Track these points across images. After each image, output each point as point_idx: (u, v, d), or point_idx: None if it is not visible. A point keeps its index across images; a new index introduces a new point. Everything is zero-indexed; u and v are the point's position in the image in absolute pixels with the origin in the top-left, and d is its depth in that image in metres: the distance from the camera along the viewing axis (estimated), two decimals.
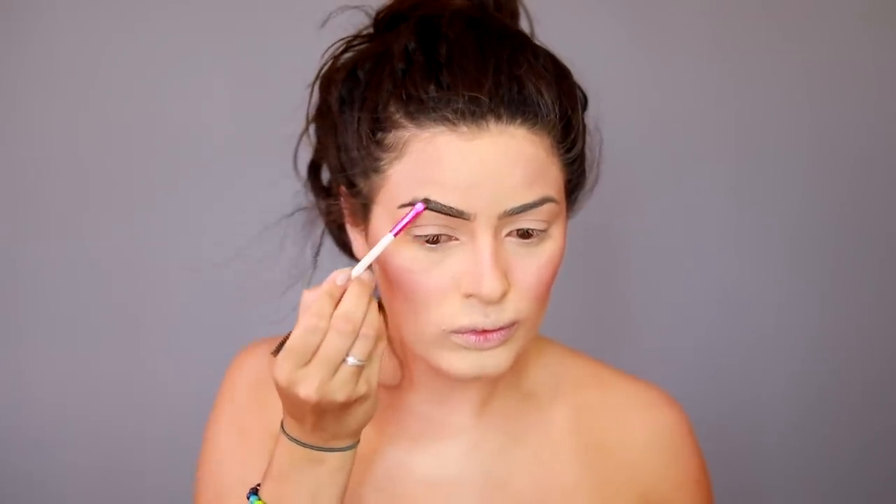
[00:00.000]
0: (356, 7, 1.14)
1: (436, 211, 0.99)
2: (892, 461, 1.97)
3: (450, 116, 0.98)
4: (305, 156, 1.19)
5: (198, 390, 1.25)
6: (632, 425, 1.18)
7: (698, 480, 1.20)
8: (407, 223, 0.98)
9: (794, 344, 1.95)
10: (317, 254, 1.19)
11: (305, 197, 1.19)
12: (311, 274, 1.18)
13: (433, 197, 0.98)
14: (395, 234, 0.99)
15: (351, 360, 0.97)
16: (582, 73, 1.08)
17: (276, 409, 1.15)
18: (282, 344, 0.98)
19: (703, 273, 1.92)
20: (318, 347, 0.96)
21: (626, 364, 1.23)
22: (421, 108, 0.99)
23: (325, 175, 1.18)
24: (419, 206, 0.98)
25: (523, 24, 1.15)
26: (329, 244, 1.20)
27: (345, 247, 1.19)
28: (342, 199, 1.09)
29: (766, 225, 1.92)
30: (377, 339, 0.98)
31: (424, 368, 1.12)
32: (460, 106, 0.98)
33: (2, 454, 1.84)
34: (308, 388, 0.96)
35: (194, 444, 1.21)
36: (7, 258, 1.81)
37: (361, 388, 0.98)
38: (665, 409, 1.19)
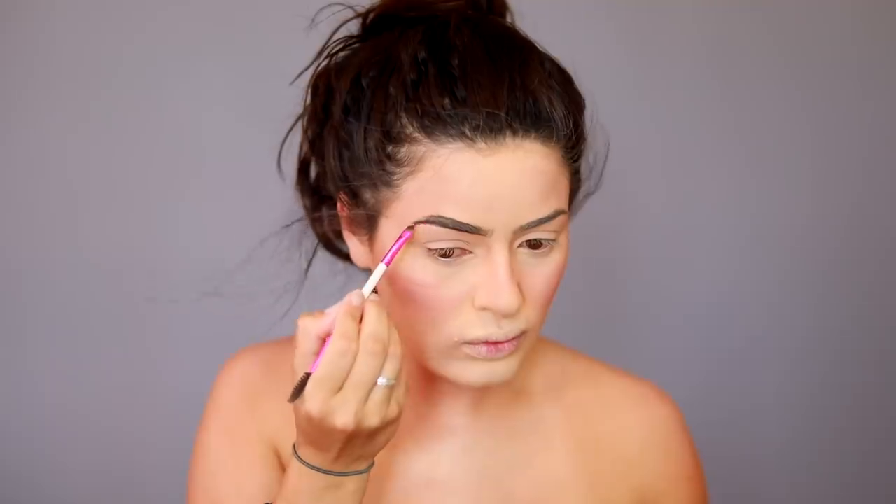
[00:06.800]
0: (344, 5, 1.11)
1: (453, 228, 0.98)
2: (889, 464, 2.00)
3: (468, 132, 0.97)
4: (293, 158, 1.18)
5: (198, 392, 1.25)
6: (625, 420, 1.18)
7: (691, 476, 1.20)
8: (395, 252, 0.98)
9: (792, 346, 1.97)
10: (309, 263, 1.18)
11: (298, 202, 1.17)
12: (303, 281, 1.17)
13: (450, 213, 0.98)
14: (388, 264, 0.99)
15: (382, 380, 0.96)
16: (579, 77, 1.08)
17: (267, 415, 1.15)
18: (299, 387, 0.96)
19: (700, 276, 1.93)
20: (348, 372, 0.95)
21: (622, 365, 1.23)
22: (437, 123, 0.98)
23: (314, 177, 1.16)
24: (407, 234, 0.98)
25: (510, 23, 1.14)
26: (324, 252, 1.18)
27: (330, 247, 1.18)
28: (340, 205, 1.07)
29: (764, 228, 1.93)
30: (402, 358, 0.97)
31: (418, 370, 1.11)
32: (479, 122, 0.97)
33: (1, 454, 1.83)
34: (346, 416, 0.95)
35: (192, 445, 1.20)
36: (7, 259, 1.81)
37: (393, 411, 0.97)
38: (658, 404, 1.20)
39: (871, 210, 1.95)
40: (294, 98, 1.13)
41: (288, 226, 1.16)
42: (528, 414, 1.17)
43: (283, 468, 1.15)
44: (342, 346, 0.95)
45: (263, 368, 1.19)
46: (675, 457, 1.19)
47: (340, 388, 0.95)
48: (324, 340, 0.96)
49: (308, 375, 0.95)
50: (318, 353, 0.96)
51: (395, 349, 0.96)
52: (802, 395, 1.98)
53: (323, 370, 0.95)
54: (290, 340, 1.19)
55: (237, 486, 1.14)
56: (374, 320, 0.96)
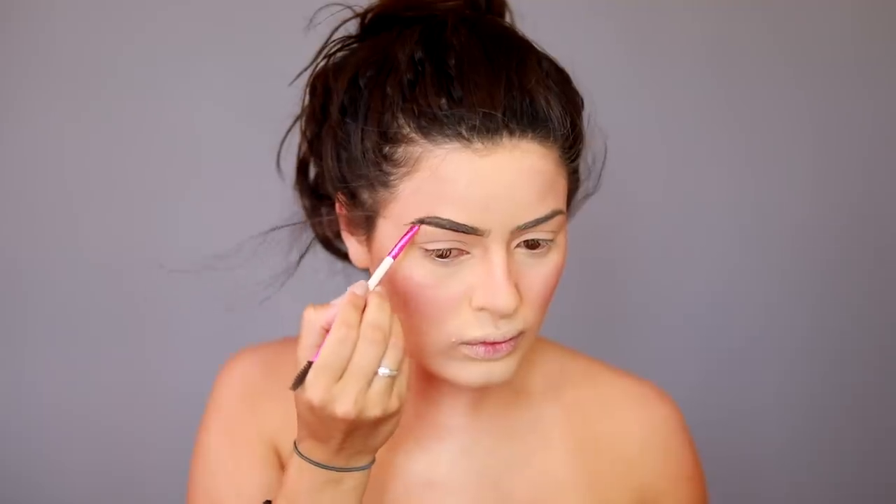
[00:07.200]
0: (343, 5, 1.11)
1: (450, 229, 0.98)
2: (889, 464, 1.99)
3: (464, 133, 0.97)
4: (290, 157, 1.17)
5: (198, 392, 1.25)
6: (625, 420, 1.18)
7: (691, 475, 1.20)
8: (405, 244, 0.98)
9: (791, 346, 1.96)
10: (300, 258, 1.17)
11: (297, 202, 1.17)
12: (291, 274, 1.17)
13: (447, 214, 0.97)
14: (395, 256, 0.99)
15: (383, 370, 0.96)
16: (579, 76, 1.07)
17: (267, 415, 1.15)
18: (301, 376, 0.96)
19: (700, 276, 1.93)
20: (349, 360, 0.95)
21: (622, 366, 1.22)
22: (433, 123, 0.98)
23: (313, 178, 1.16)
24: (415, 228, 0.98)
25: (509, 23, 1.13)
26: (319, 250, 1.18)
27: (330, 246, 1.18)
28: (338, 206, 1.07)
29: (763, 228, 1.92)
30: (404, 350, 0.97)
31: (418, 370, 1.11)
32: (476, 123, 0.97)
33: (1, 454, 1.83)
34: (346, 405, 0.95)
35: (192, 445, 1.20)
36: (7, 259, 1.80)
37: (395, 403, 0.97)
38: (658, 404, 1.19)
39: (871, 210, 1.95)
40: (295, 98, 1.12)
41: (281, 227, 1.16)
42: (526, 413, 1.17)
43: (283, 468, 1.15)
44: (342, 333, 0.95)
45: (263, 369, 1.19)
46: (676, 457, 1.19)
47: (342, 377, 0.95)
48: (328, 332, 0.97)
49: (310, 364, 0.96)
50: (321, 344, 0.97)
51: (397, 340, 0.96)
52: (802, 395, 1.97)
53: (323, 358, 0.95)
54: (290, 341, 1.19)
55: (237, 487, 1.14)
56: (376, 309, 0.96)
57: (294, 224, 1.16)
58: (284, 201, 1.18)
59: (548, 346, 1.20)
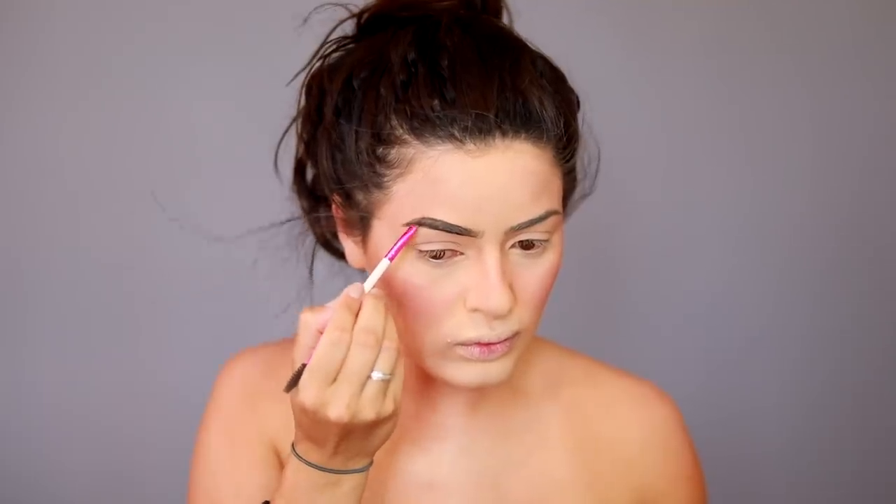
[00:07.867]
0: (339, 4, 1.11)
1: (443, 230, 0.98)
2: (889, 463, 1.99)
3: (457, 134, 0.97)
4: (288, 158, 1.17)
5: (198, 392, 1.25)
6: (625, 421, 1.18)
7: (691, 476, 1.20)
8: (402, 245, 0.98)
9: (792, 345, 1.96)
10: (311, 265, 1.17)
11: (295, 204, 1.17)
12: (309, 284, 1.17)
13: (440, 215, 0.97)
14: (391, 258, 0.98)
15: (377, 374, 0.96)
16: (575, 76, 1.07)
17: (267, 415, 1.15)
18: (295, 378, 0.96)
19: (700, 275, 1.92)
20: (342, 363, 0.95)
21: (622, 366, 1.22)
22: (426, 125, 0.98)
23: (311, 179, 1.16)
24: (411, 230, 0.98)
25: (505, 22, 1.13)
26: (321, 252, 1.18)
27: (329, 247, 1.18)
28: (334, 207, 1.07)
29: (763, 227, 1.92)
30: (398, 353, 0.97)
31: (416, 371, 1.11)
32: (468, 124, 0.97)
33: (1, 454, 1.83)
34: (339, 408, 0.95)
35: (193, 445, 1.20)
36: (8, 259, 1.80)
37: (389, 406, 0.97)
38: (658, 404, 1.19)
39: (870, 209, 1.94)
40: (294, 98, 1.12)
41: (282, 223, 1.16)
42: (524, 413, 1.17)
43: (283, 469, 1.15)
44: (335, 336, 0.95)
45: (264, 369, 1.18)
46: (675, 457, 1.19)
47: (335, 381, 0.95)
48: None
49: (304, 366, 0.96)
50: (315, 347, 0.96)
51: (391, 343, 0.96)
52: (802, 394, 1.97)
53: (316, 361, 0.95)
54: (290, 342, 1.18)
55: (237, 487, 1.14)
56: (369, 313, 0.96)
57: (290, 220, 1.16)
58: (284, 201, 1.18)
59: (546, 346, 1.20)
